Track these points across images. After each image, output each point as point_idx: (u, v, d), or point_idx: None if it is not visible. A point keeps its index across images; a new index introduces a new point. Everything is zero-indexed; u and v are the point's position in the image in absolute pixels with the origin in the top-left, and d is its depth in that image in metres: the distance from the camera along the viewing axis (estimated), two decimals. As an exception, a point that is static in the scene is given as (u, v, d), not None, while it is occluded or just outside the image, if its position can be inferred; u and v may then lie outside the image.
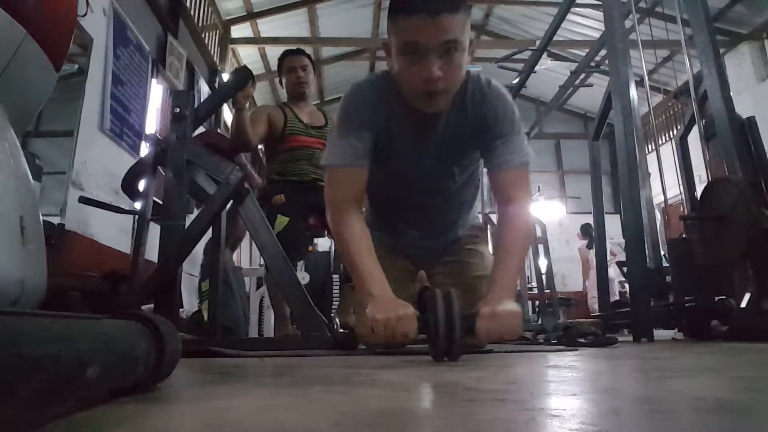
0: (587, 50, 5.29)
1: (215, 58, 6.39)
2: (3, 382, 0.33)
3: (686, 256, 2.73)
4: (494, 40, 8.43)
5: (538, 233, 6.50)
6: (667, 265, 3.05)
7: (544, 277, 5.41)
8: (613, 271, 5.69)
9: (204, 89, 5.74)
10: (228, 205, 1.86)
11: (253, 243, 2.26)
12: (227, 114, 6.23)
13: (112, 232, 3.49)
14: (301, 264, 3.08)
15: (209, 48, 6.19)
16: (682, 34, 3.13)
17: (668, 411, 0.48)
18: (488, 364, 1.10)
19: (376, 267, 1.25)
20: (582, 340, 1.98)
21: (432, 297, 1.14)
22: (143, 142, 4.07)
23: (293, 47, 2.84)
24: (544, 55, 5.17)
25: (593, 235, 5.01)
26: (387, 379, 0.77)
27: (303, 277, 2.90)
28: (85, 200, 2.54)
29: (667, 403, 0.53)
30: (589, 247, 7.04)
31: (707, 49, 2.63)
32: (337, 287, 3.61)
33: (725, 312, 2.42)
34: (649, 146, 4.41)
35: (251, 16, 6.71)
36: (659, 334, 2.95)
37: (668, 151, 3.68)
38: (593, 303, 6.94)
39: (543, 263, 5.56)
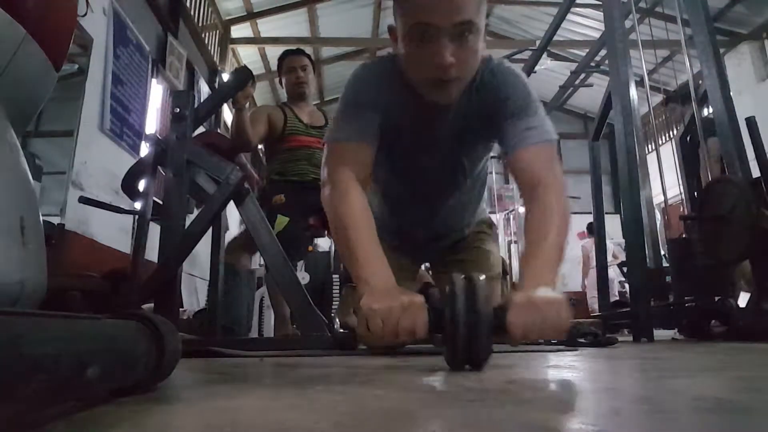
0: (587, 50, 5.29)
1: (215, 58, 6.39)
2: (3, 382, 0.33)
3: (686, 256, 2.74)
4: (494, 40, 8.43)
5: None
6: (667, 265, 3.05)
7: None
8: (613, 272, 5.69)
9: (204, 89, 5.75)
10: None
11: (253, 243, 2.25)
12: (227, 114, 6.23)
13: (112, 232, 3.50)
14: (301, 264, 3.08)
15: (209, 48, 6.19)
16: (682, 34, 3.13)
17: (668, 411, 0.48)
18: (488, 363, 1.10)
19: (376, 251, 1.03)
20: (582, 340, 1.98)
21: (449, 283, 0.87)
22: (143, 142, 4.08)
23: (293, 47, 2.84)
24: (544, 55, 5.17)
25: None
26: (387, 379, 0.77)
27: (303, 277, 2.91)
28: (85, 200, 2.54)
29: (667, 403, 0.53)
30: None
31: (707, 49, 2.63)
32: (337, 287, 3.61)
33: (725, 312, 2.42)
34: (649, 146, 4.41)
35: (251, 16, 6.72)
36: (659, 334, 2.95)
37: (668, 151, 3.68)
38: (593, 303, 6.94)
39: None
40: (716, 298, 2.51)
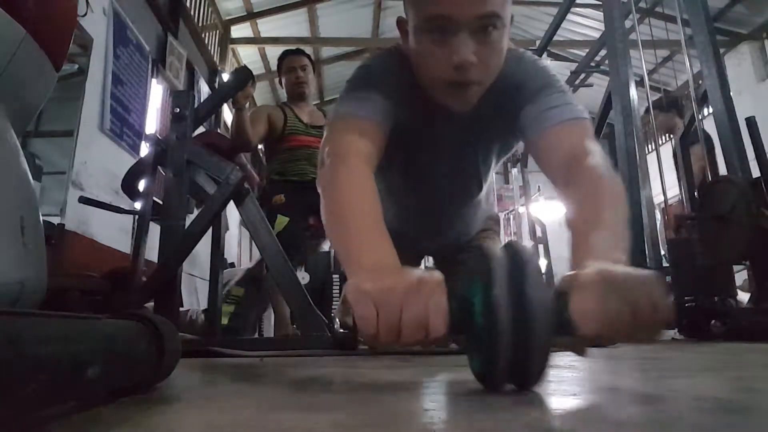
0: (587, 50, 5.29)
1: (215, 58, 6.39)
2: (3, 382, 0.33)
3: (686, 256, 2.74)
4: (494, 40, 8.42)
5: (538, 233, 6.50)
6: (667, 265, 3.05)
7: (544, 277, 5.42)
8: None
9: (204, 89, 5.74)
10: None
11: (254, 243, 2.25)
12: (227, 114, 6.23)
13: (112, 232, 3.49)
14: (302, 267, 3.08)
15: (209, 48, 6.19)
16: (682, 34, 3.13)
17: (668, 411, 0.48)
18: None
19: (379, 232, 0.76)
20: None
21: (479, 256, 0.58)
22: (143, 142, 4.07)
23: (293, 47, 2.84)
24: (544, 55, 5.17)
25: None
26: (387, 379, 0.77)
27: (303, 277, 2.90)
28: (85, 200, 2.55)
29: (667, 403, 0.53)
30: None
31: (707, 49, 2.63)
32: (337, 287, 3.61)
33: (725, 312, 2.42)
34: (649, 146, 4.41)
35: (251, 16, 6.71)
36: (659, 334, 2.94)
37: (668, 151, 3.68)
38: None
39: (543, 263, 5.56)
40: (716, 298, 2.51)
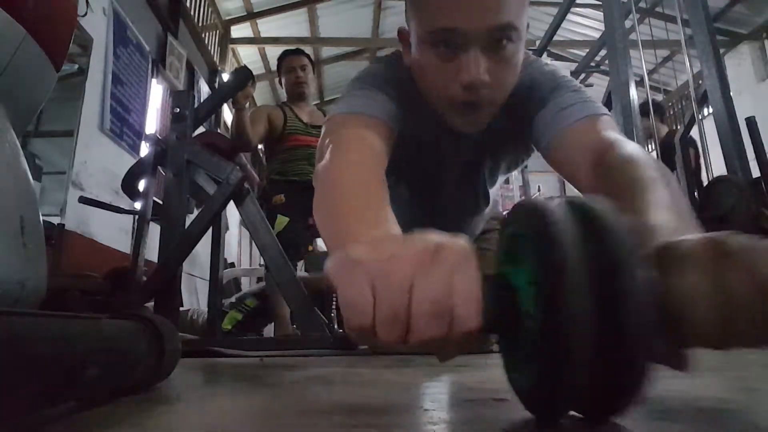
0: (587, 50, 5.30)
1: (215, 58, 6.39)
2: (3, 382, 0.33)
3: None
4: (494, 40, 8.42)
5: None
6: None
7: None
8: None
9: (204, 89, 5.74)
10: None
11: (253, 243, 2.26)
12: (227, 114, 6.23)
13: (112, 232, 3.49)
14: (301, 264, 3.08)
15: (209, 48, 6.19)
16: (682, 34, 3.13)
17: (668, 411, 0.48)
18: (489, 363, 1.10)
19: (384, 212, 0.59)
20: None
21: (531, 215, 0.38)
22: (143, 142, 4.07)
23: (293, 47, 2.85)
24: (544, 55, 5.17)
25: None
26: (387, 379, 0.77)
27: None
28: (85, 200, 2.55)
29: (667, 403, 0.53)
30: None
31: (707, 49, 2.63)
32: (338, 287, 3.60)
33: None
34: (650, 146, 4.41)
35: (251, 16, 6.71)
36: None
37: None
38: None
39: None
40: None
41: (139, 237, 1.91)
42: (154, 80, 4.55)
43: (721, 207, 2.49)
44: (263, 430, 0.40)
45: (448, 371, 0.86)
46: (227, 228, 2.21)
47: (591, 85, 5.62)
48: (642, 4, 4.30)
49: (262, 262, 2.77)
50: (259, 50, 7.27)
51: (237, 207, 1.79)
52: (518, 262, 0.40)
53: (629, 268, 0.33)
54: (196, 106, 1.90)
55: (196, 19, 5.69)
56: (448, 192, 1.08)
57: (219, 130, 5.62)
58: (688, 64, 3.10)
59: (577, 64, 5.61)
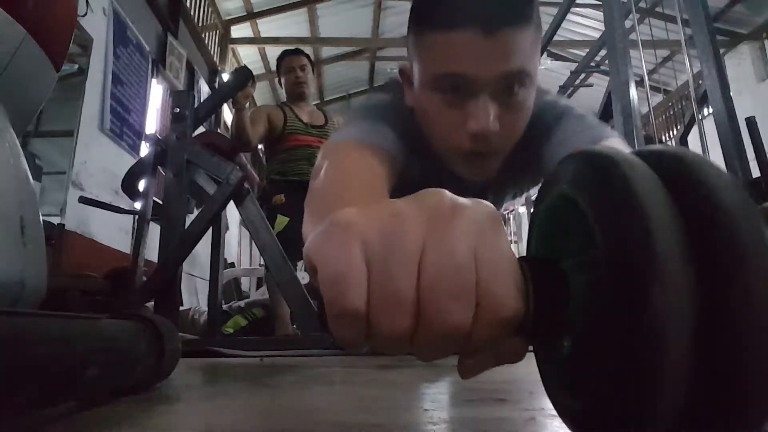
0: (587, 50, 5.30)
1: (215, 58, 6.39)
2: (3, 382, 0.33)
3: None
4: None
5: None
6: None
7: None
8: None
9: (204, 89, 5.75)
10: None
11: (253, 243, 2.26)
12: (227, 114, 6.23)
13: (112, 232, 3.49)
14: (301, 264, 3.08)
15: (209, 48, 6.19)
16: (682, 34, 3.13)
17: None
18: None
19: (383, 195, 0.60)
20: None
21: (590, 165, 0.29)
22: (143, 142, 4.08)
23: (293, 47, 2.85)
24: (544, 55, 5.18)
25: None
26: (387, 379, 0.77)
27: (303, 277, 2.91)
28: (85, 200, 2.55)
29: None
30: None
31: (707, 49, 2.63)
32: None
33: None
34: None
35: (251, 16, 6.72)
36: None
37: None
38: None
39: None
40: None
41: (139, 237, 1.91)
42: (154, 80, 4.55)
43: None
44: (263, 430, 0.40)
45: (448, 371, 0.86)
46: (227, 228, 2.22)
47: (591, 85, 5.61)
48: (642, 4, 4.30)
49: (262, 262, 2.77)
50: (259, 50, 7.28)
51: (237, 207, 1.79)
52: (570, 235, 0.29)
53: (752, 241, 0.21)
54: (196, 106, 1.90)
55: (196, 19, 5.69)
56: None
57: (219, 130, 5.63)
58: (688, 64, 3.10)
59: (577, 64, 5.61)
